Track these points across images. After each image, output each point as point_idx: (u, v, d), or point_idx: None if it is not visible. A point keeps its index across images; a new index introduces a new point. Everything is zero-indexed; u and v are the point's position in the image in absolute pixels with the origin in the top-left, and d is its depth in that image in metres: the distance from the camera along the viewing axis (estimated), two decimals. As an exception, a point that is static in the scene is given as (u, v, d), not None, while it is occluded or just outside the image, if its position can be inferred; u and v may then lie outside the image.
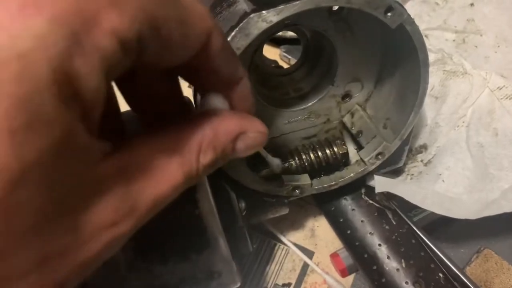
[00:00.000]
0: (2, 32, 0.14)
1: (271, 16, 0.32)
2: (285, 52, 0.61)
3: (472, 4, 0.54)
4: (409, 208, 0.51)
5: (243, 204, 0.40)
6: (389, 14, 0.34)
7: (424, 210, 0.51)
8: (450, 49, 0.51)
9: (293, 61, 0.60)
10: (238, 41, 0.32)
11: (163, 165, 0.20)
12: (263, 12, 0.32)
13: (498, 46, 0.52)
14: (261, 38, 0.34)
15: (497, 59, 0.52)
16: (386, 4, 0.34)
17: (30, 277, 0.16)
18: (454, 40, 0.54)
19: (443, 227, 0.52)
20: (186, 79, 0.25)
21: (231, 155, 0.24)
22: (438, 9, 0.56)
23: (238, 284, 0.42)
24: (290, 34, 0.59)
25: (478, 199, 0.42)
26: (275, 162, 0.38)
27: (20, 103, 0.14)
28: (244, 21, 0.32)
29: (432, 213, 0.51)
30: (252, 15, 0.32)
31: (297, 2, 0.32)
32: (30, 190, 0.15)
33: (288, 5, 0.32)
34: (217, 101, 0.25)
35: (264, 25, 0.32)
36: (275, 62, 0.58)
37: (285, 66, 0.61)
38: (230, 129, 0.24)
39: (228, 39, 0.32)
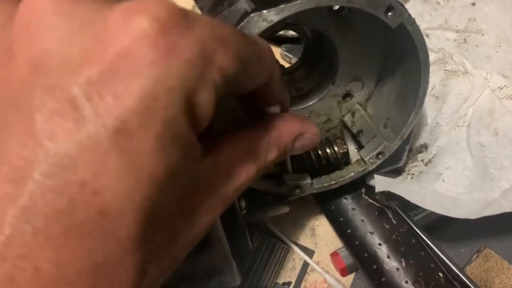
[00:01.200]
0: (155, 69, 0.17)
1: (271, 16, 0.32)
2: (286, 51, 0.61)
3: (473, 4, 0.54)
4: (409, 207, 0.51)
5: (243, 203, 0.40)
6: (389, 13, 0.34)
7: (424, 210, 0.51)
8: (451, 49, 0.51)
9: (294, 60, 0.60)
10: (239, 40, 0.32)
11: (243, 162, 0.25)
12: (264, 11, 0.32)
13: (500, 46, 0.52)
14: (262, 37, 0.34)
15: (498, 59, 0.51)
16: (387, 4, 0.34)
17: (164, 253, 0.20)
18: (455, 40, 0.54)
19: (443, 226, 0.52)
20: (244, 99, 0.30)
21: (290, 152, 0.29)
22: (439, 9, 0.55)
23: (238, 283, 0.42)
24: (291, 33, 0.59)
25: (478, 199, 0.42)
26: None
27: (168, 125, 0.18)
28: (244, 21, 0.32)
29: (433, 212, 0.51)
30: (252, 15, 0.32)
31: (298, 1, 0.32)
32: (171, 190, 0.19)
33: (288, 4, 0.32)
34: (277, 109, 0.29)
35: (264, 25, 0.32)
36: (276, 61, 0.58)
37: (286, 65, 0.61)
38: (292, 131, 0.28)
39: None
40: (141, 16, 0.18)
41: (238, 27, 0.32)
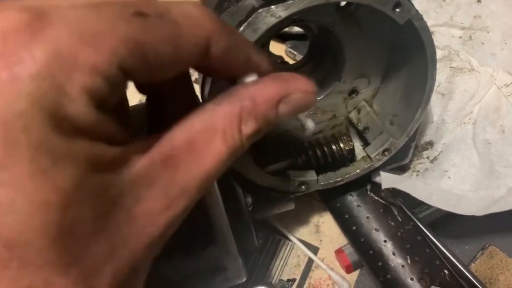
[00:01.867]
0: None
1: (279, 11, 0.32)
2: (290, 47, 0.61)
3: (479, 1, 0.54)
4: (414, 204, 0.51)
5: (249, 199, 0.41)
6: (397, 9, 0.34)
7: (430, 207, 0.52)
8: (457, 46, 0.51)
9: (299, 56, 0.60)
10: (246, 36, 0.32)
11: (205, 143, 0.21)
12: (272, 7, 0.32)
13: (505, 43, 0.52)
14: (269, 33, 0.34)
15: (504, 56, 0.51)
16: (395, 0, 0.34)
17: (107, 265, 0.19)
18: (460, 37, 0.53)
19: (448, 224, 0.52)
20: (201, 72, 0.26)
21: (276, 120, 0.24)
22: (444, 6, 0.55)
23: (244, 279, 0.42)
24: (296, 29, 0.59)
25: (485, 196, 0.42)
26: (310, 125, 0.33)
27: (39, 148, 0.16)
28: (252, 16, 0.32)
29: (438, 210, 0.51)
30: (260, 10, 0.32)
31: (307, -3, 0.32)
32: (77, 208, 0.17)
33: (297, 0, 0.32)
34: (253, 77, 0.24)
35: (272, 20, 0.32)
36: (280, 57, 0.58)
37: (291, 61, 0.61)
38: (270, 96, 0.23)
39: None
40: None
41: (246, 23, 0.32)
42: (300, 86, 0.24)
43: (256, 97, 0.23)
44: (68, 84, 0.17)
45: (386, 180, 0.43)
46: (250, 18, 0.32)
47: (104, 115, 0.18)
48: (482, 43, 0.53)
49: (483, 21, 0.54)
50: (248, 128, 0.22)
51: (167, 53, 0.20)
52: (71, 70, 0.17)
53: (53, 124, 0.17)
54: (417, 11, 0.35)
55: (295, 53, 0.60)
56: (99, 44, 0.18)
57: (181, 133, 0.21)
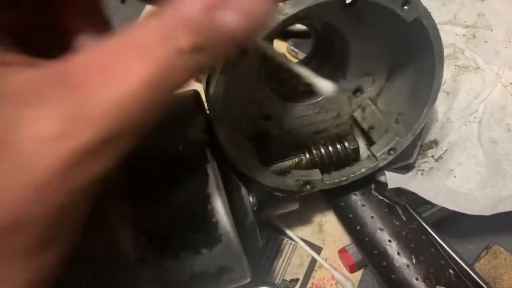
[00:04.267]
0: None
1: (287, 8, 0.31)
2: (292, 45, 0.60)
3: (483, -1, 0.54)
4: (418, 204, 0.51)
5: (254, 199, 0.40)
6: (405, 7, 0.34)
7: (433, 206, 0.51)
8: (461, 44, 0.51)
9: (301, 54, 0.60)
10: (253, 33, 0.32)
11: (123, 62, 0.17)
12: (279, 4, 0.31)
13: (509, 41, 0.52)
14: (275, 31, 0.34)
15: (508, 54, 0.51)
16: (403, -3, 0.33)
17: None
18: (464, 35, 0.53)
19: (452, 223, 0.52)
20: None
21: (224, 34, 0.18)
22: (448, 4, 0.55)
23: (248, 280, 0.41)
24: (298, 27, 0.59)
25: (491, 195, 0.42)
26: (326, 85, 0.28)
27: None
28: None
29: (441, 209, 0.51)
30: (268, 7, 0.31)
31: (314, -6, 0.31)
32: None
33: (304, -3, 0.31)
34: None
35: (280, 18, 0.32)
36: (283, 55, 0.57)
37: (293, 59, 0.60)
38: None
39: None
40: None
41: None
42: None
43: (187, 6, 0.18)
44: None
45: (392, 180, 0.42)
46: (257, 15, 0.31)
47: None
48: (486, 41, 0.52)
49: (486, 19, 0.53)
50: (182, 41, 0.17)
51: None
52: None
53: None
54: (425, 8, 0.34)
55: (297, 51, 0.60)
56: None
57: (91, 51, 0.18)
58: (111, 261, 0.35)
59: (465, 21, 0.54)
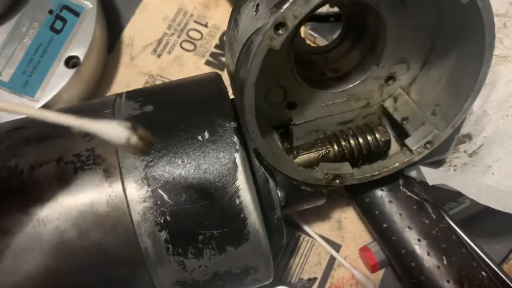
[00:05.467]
0: None
1: None
2: (310, 29, 0.56)
3: (516, -13, 0.51)
4: (443, 201, 0.48)
5: (282, 193, 0.37)
6: (462, -14, 0.31)
7: (460, 204, 0.49)
8: (497, 33, 0.48)
9: (320, 39, 0.56)
10: (297, 8, 0.28)
11: None
12: None
13: (542, 33, 0.49)
14: (314, 10, 0.30)
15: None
16: (461, -26, 0.30)
17: None
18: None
19: (477, 221, 0.49)
20: None
21: None
22: (479, -10, 0.52)
23: (271, 280, 0.38)
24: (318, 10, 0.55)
25: (534, 195, 0.39)
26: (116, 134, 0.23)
27: None
28: None
29: (468, 206, 0.49)
30: (315, -21, 0.28)
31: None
32: None
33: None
34: None
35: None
36: (303, 39, 0.54)
37: (312, 44, 0.57)
38: None
39: (285, 5, 0.28)
40: None
41: (288, 3, 0.28)
42: None
43: None
44: None
45: (431, 176, 0.39)
46: (294, -5, 0.28)
47: None
48: (518, 31, 0.50)
49: (519, 8, 0.50)
50: None
51: None
52: None
53: None
54: (482, -12, 0.31)
55: (316, 35, 0.56)
56: None
57: None
58: (130, 258, 0.31)
59: (497, 10, 0.51)
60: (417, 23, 0.38)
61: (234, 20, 0.35)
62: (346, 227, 0.50)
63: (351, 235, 0.50)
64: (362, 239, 0.49)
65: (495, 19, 0.51)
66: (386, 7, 0.37)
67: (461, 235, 0.44)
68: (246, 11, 0.33)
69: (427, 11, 0.38)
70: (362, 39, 0.42)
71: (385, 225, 0.44)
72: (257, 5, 0.32)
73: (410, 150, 0.40)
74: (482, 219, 0.49)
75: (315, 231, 0.49)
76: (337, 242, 0.49)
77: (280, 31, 0.29)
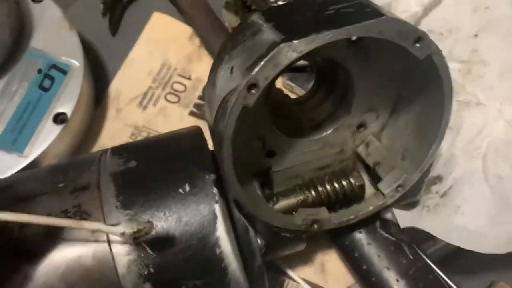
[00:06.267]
0: None
1: (301, 46, 0.31)
2: (288, 80, 0.60)
3: (476, 35, 0.55)
4: (421, 241, 0.50)
5: (262, 241, 0.38)
6: (417, 44, 0.34)
7: (436, 243, 0.50)
8: (460, 79, 0.51)
9: (297, 89, 0.59)
10: (267, 71, 0.31)
11: None
12: (294, 41, 0.30)
13: (503, 77, 0.52)
14: (287, 68, 0.33)
15: (502, 89, 0.52)
16: (416, 35, 0.33)
17: None
18: (459, 70, 0.54)
19: (455, 259, 0.51)
20: None
21: None
22: (442, 39, 0.56)
23: (254, 326, 0.39)
24: (295, 62, 0.58)
25: (502, 233, 0.41)
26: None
27: None
28: (274, 51, 0.30)
29: (445, 245, 0.50)
30: (282, 45, 0.30)
31: (329, 32, 0.31)
32: None
33: (319, 34, 0.31)
34: None
35: (294, 55, 0.31)
36: (280, 90, 0.57)
37: (290, 94, 0.60)
38: None
39: (256, 69, 0.31)
40: None
41: (267, 58, 0.31)
42: None
43: None
44: None
45: (403, 218, 0.41)
46: (271, 53, 0.30)
47: None
48: (481, 76, 0.53)
49: (480, 54, 0.54)
50: None
51: None
52: None
53: None
54: (436, 45, 0.34)
55: (293, 85, 0.59)
56: None
57: None
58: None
59: (460, 57, 0.54)
60: (382, 75, 0.41)
61: (212, 80, 0.38)
62: (330, 270, 0.51)
63: (334, 278, 0.51)
64: (345, 280, 0.50)
65: (460, 65, 0.55)
66: (352, 62, 0.40)
67: (438, 273, 0.45)
68: (222, 72, 0.36)
69: (391, 64, 0.41)
70: (333, 91, 0.45)
71: (364, 267, 0.45)
72: (232, 67, 0.34)
73: (383, 194, 0.42)
74: (460, 256, 0.51)
75: (299, 276, 0.51)
76: (321, 285, 0.50)
77: (252, 91, 0.32)
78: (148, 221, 0.31)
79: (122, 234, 0.30)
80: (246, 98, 0.32)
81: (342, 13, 0.34)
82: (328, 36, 0.31)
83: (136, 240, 0.31)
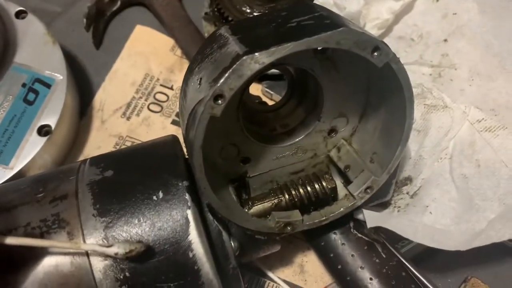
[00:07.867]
0: None
1: (263, 58, 0.32)
2: (267, 87, 0.61)
3: (445, 40, 0.57)
4: (396, 239, 0.52)
5: (236, 243, 0.40)
6: (375, 53, 0.35)
7: (411, 241, 0.52)
8: (428, 84, 0.53)
9: (276, 96, 0.61)
10: (232, 82, 0.33)
11: None
12: (256, 54, 0.32)
13: (472, 80, 0.54)
14: (251, 79, 0.35)
15: (472, 92, 0.53)
16: (373, 45, 0.35)
17: None
18: (430, 74, 0.56)
19: (430, 257, 0.52)
20: None
21: None
22: (414, 45, 0.58)
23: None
24: (272, 70, 0.60)
25: (466, 230, 0.43)
26: None
27: None
28: (237, 63, 0.32)
29: (419, 244, 0.52)
30: (245, 57, 0.32)
31: (289, 44, 0.32)
32: None
33: (280, 47, 0.32)
34: None
35: (256, 67, 0.32)
36: (258, 98, 0.58)
37: (268, 101, 0.62)
38: None
39: (221, 80, 0.33)
40: None
41: (230, 70, 0.32)
42: None
43: None
44: None
45: (371, 218, 0.43)
46: (235, 65, 0.32)
47: None
48: (451, 80, 0.55)
49: (450, 59, 0.56)
50: None
51: None
52: None
53: None
54: (394, 54, 0.36)
55: (271, 93, 0.61)
56: None
57: None
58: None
59: (431, 61, 0.56)
60: (350, 83, 0.43)
61: (183, 91, 0.40)
62: (308, 270, 0.53)
63: (313, 278, 0.52)
64: (324, 280, 0.52)
65: (431, 70, 0.57)
66: (320, 71, 0.42)
67: (411, 270, 0.47)
68: (192, 83, 0.38)
69: (357, 72, 0.42)
70: (305, 98, 0.47)
71: (339, 266, 0.47)
72: (200, 79, 0.36)
73: (353, 196, 0.44)
74: (434, 254, 0.52)
75: (279, 276, 0.52)
76: (300, 286, 0.52)
77: (219, 101, 0.33)
78: (139, 241, 0.33)
79: (116, 254, 0.32)
80: (213, 108, 0.34)
81: (303, 25, 0.35)
82: (288, 48, 0.33)
83: (128, 258, 0.33)
